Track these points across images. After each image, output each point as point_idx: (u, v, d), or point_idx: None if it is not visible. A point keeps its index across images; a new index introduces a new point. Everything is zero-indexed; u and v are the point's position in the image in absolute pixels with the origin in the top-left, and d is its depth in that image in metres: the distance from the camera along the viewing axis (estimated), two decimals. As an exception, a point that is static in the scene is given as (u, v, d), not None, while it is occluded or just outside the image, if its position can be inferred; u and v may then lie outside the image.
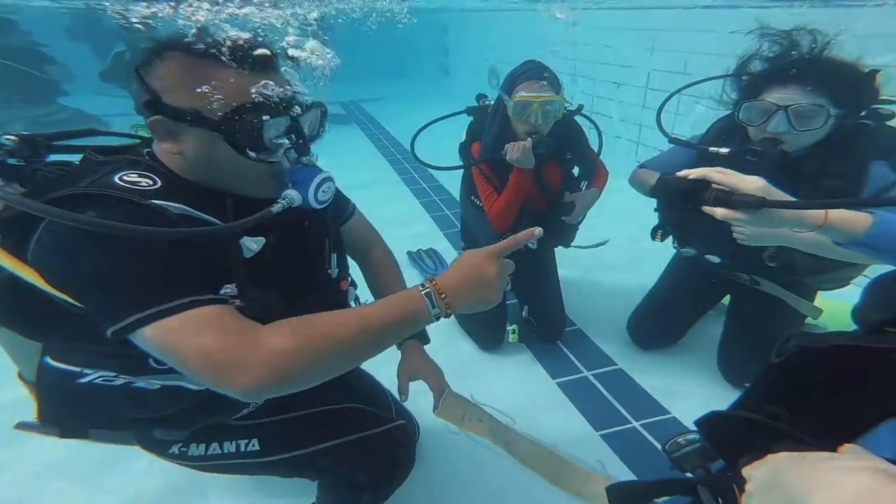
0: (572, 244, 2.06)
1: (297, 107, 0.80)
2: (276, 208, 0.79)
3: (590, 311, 2.34)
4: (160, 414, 0.91)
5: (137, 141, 0.90)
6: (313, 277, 0.97)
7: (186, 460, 1.04)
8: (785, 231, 1.25)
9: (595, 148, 1.94)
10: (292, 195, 0.81)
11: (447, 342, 2.15)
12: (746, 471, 0.52)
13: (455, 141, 1.98)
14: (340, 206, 1.16)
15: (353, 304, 1.07)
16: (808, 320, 1.75)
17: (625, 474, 1.54)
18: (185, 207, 0.76)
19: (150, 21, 1.13)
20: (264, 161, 0.80)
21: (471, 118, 1.91)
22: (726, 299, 2.01)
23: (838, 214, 0.94)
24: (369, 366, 1.02)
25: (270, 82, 0.76)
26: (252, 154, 0.77)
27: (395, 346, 1.04)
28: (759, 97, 1.35)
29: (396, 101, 8.07)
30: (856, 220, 0.93)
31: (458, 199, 2.14)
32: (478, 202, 1.88)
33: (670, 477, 0.73)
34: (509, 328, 2.12)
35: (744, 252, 1.44)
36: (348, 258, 1.14)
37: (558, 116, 1.68)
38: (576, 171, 1.94)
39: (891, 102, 1.38)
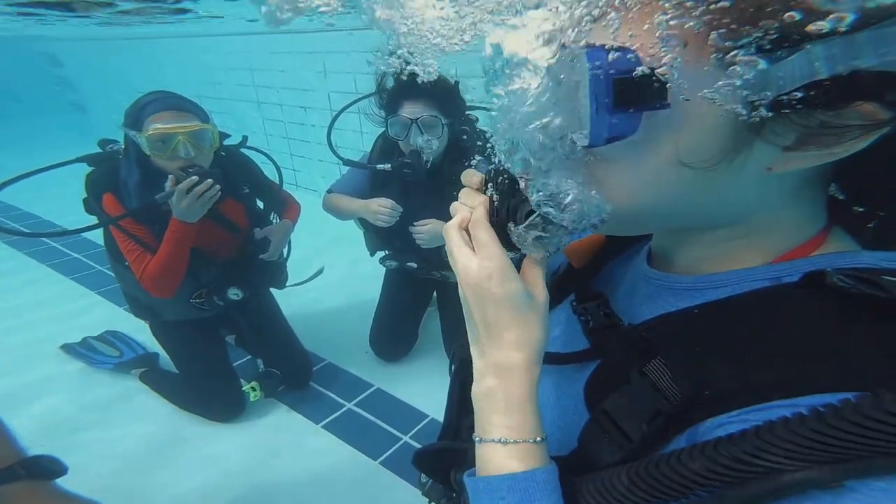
0: (288, 283, 1.91)
1: None
2: None
3: (334, 339, 2.24)
4: None
5: None
6: None
7: None
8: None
9: (274, 179, 1.82)
10: None
11: (159, 425, 1.77)
12: None
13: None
14: None
15: None
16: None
17: (413, 496, 1.50)
18: None
19: None
20: None
21: (91, 168, 1.50)
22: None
23: None
24: None
25: None
26: None
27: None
28: (398, 112, 1.48)
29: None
30: None
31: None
32: None
33: None
34: (247, 387, 1.82)
35: (427, 253, 1.71)
36: None
37: (215, 146, 1.47)
38: (261, 205, 1.79)
39: (475, 108, 1.71)
